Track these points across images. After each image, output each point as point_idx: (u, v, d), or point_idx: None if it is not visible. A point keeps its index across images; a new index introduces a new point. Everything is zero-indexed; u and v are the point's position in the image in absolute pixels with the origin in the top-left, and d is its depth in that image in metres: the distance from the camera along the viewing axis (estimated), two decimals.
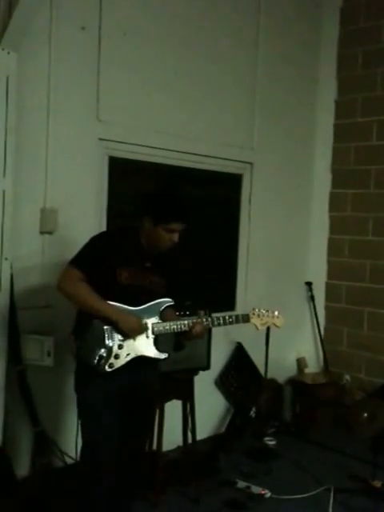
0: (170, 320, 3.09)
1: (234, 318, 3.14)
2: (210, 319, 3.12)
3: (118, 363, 2.94)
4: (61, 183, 3.86)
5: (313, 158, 5.83)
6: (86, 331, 2.94)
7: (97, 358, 2.90)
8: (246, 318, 3.17)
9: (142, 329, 2.99)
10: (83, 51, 3.94)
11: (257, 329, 3.20)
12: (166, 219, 3.01)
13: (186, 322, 3.07)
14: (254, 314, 3.18)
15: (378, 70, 5.48)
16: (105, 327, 2.93)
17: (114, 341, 2.94)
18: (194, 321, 3.08)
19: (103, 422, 2.99)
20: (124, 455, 3.09)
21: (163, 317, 3.08)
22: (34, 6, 3.51)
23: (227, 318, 3.12)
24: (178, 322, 3.06)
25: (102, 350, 2.91)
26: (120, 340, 2.96)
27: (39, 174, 3.78)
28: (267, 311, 3.21)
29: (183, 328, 3.07)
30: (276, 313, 3.22)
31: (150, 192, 3.21)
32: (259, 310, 3.20)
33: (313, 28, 5.73)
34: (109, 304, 2.93)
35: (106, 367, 2.91)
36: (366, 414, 5.10)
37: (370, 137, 5.53)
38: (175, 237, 3.05)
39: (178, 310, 3.35)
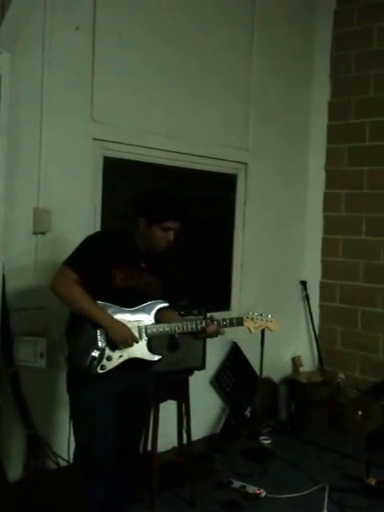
0: (164, 321, 3.07)
1: (228, 321, 3.12)
2: (215, 322, 3.10)
3: (111, 365, 2.92)
4: (55, 183, 3.85)
5: (307, 159, 5.85)
6: (79, 332, 2.92)
7: (89, 359, 2.88)
8: (240, 322, 3.16)
9: (133, 341, 2.95)
10: (77, 51, 3.92)
11: (250, 332, 3.19)
12: (161, 218, 3.00)
13: (180, 324, 3.05)
14: (248, 317, 3.17)
15: (371, 72, 5.51)
16: (97, 328, 2.92)
17: (106, 342, 2.92)
18: (209, 321, 3.07)
19: (97, 424, 2.97)
20: (118, 457, 3.08)
21: (158, 318, 3.06)
22: (27, 5, 3.49)
23: (221, 321, 3.10)
24: (172, 325, 3.05)
25: (95, 352, 2.89)
26: None
27: (33, 174, 3.76)
28: (261, 315, 3.20)
29: (177, 330, 3.06)
30: (270, 316, 3.21)
31: (142, 192, 3.20)
32: (253, 314, 3.18)
33: (306, 30, 5.74)
34: (101, 309, 2.92)
35: (98, 369, 2.90)
36: (360, 413, 5.10)
37: (363, 138, 5.55)
38: (170, 235, 3.03)
39: (174, 310, 3.34)
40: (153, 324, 3.03)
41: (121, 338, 2.91)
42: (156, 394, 3.49)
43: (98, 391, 2.94)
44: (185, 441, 4.07)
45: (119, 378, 2.95)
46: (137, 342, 2.97)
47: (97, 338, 2.91)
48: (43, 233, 3.80)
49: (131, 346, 2.95)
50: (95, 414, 2.96)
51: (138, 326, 2.99)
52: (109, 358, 2.92)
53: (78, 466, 3.10)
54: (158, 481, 3.78)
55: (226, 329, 3.14)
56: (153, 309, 3.06)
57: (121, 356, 2.95)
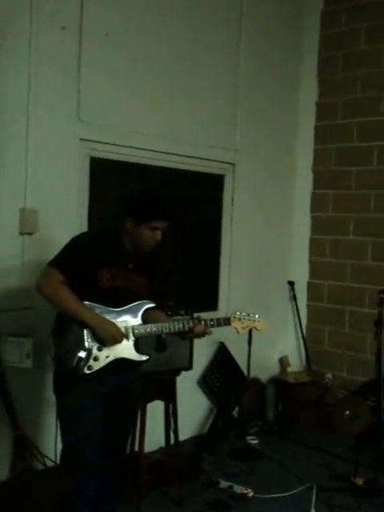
0: (151, 322, 3.06)
1: (215, 321, 3.13)
2: (203, 322, 3.10)
3: (97, 365, 2.91)
4: (41, 184, 3.83)
5: (294, 159, 5.86)
6: (65, 333, 2.91)
7: (76, 359, 2.87)
8: (227, 322, 3.16)
9: (121, 337, 2.95)
10: (64, 51, 3.90)
11: (237, 332, 3.20)
12: (148, 217, 2.99)
13: (167, 324, 3.05)
14: (235, 317, 3.17)
15: (359, 73, 5.53)
16: (84, 329, 2.91)
17: (93, 343, 2.91)
18: (196, 321, 3.07)
19: (84, 425, 2.96)
20: (106, 458, 3.07)
21: (145, 318, 3.06)
22: (13, 5, 3.48)
23: (208, 321, 3.11)
24: (160, 325, 3.04)
25: (81, 352, 2.88)
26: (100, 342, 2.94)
27: (19, 175, 3.74)
28: (249, 315, 3.20)
29: (165, 330, 3.06)
30: (257, 316, 3.22)
31: (130, 192, 3.19)
32: (240, 314, 3.19)
33: (294, 31, 5.74)
34: (88, 309, 2.91)
35: (85, 369, 2.89)
36: (347, 413, 5.11)
37: (350, 138, 5.57)
38: (158, 235, 3.03)
39: (161, 310, 3.33)
40: (140, 324, 3.03)
41: (109, 335, 2.91)
42: (143, 394, 3.49)
43: (85, 392, 2.93)
44: (172, 441, 4.07)
45: (106, 378, 2.95)
46: (126, 338, 2.97)
47: (83, 338, 2.90)
48: (30, 233, 3.78)
49: (120, 342, 2.95)
50: (82, 414, 2.95)
51: (125, 326, 2.98)
52: (96, 359, 2.91)
53: (65, 467, 3.09)
54: (145, 481, 3.78)
55: (213, 329, 3.14)
56: (140, 309, 3.05)
57: (108, 356, 2.94)
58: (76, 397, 2.94)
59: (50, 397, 3.17)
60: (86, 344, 2.90)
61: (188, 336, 3.14)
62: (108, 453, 3.09)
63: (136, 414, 3.50)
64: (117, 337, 2.93)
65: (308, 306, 5.89)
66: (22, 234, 3.77)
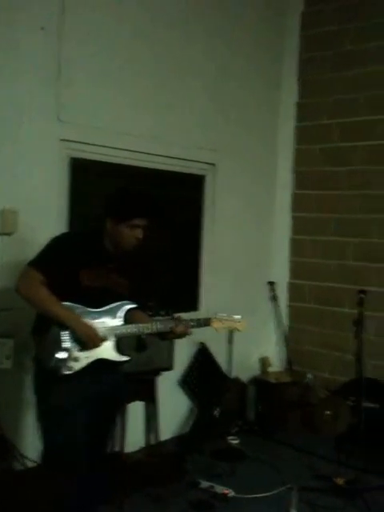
0: (132, 322, 3.06)
1: (196, 322, 3.14)
2: (188, 321, 3.10)
3: (77, 366, 2.90)
4: (21, 184, 3.81)
5: (276, 160, 5.88)
6: (45, 332, 2.89)
7: (54, 360, 2.86)
8: (207, 322, 3.17)
9: (100, 339, 2.93)
10: (44, 51, 3.88)
11: (217, 331, 3.20)
12: (127, 216, 2.98)
13: (147, 324, 3.05)
14: (215, 318, 3.18)
15: (341, 73, 5.56)
16: (64, 330, 2.89)
17: (73, 343, 2.90)
18: (177, 322, 3.07)
19: (68, 424, 2.94)
20: (90, 458, 3.04)
21: (127, 318, 3.05)
22: None
23: (189, 321, 3.11)
24: (140, 325, 3.04)
25: (61, 353, 2.87)
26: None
27: None
28: (229, 315, 3.21)
29: (146, 331, 3.05)
30: (238, 317, 3.22)
31: (109, 193, 3.18)
32: (221, 315, 3.19)
33: (276, 32, 5.76)
34: (68, 310, 2.89)
35: (65, 370, 2.87)
36: (329, 413, 5.13)
37: (332, 139, 5.59)
38: (138, 233, 3.01)
39: (142, 310, 3.33)
40: (120, 325, 3.02)
41: (86, 337, 2.89)
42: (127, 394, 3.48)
43: (68, 392, 2.91)
44: (153, 441, 4.06)
45: (88, 378, 2.93)
46: (106, 339, 2.95)
47: (63, 338, 2.88)
48: (9, 234, 3.76)
49: (99, 345, 2.93)
50: (66, 414, 2.93)
51: (105, 327, 2.97)
52: (76, 359, 2.90)
53: (50, 467, 3.06)
54: (128, 481, 3.76)
55: (193, 329, 3.14)
56: (121, 309, 3.05)
57: (88, 357, 2.93)
58: (58, 397, 2.92)
59: (31, 397, 3.14)
60: (66, 344, 2.88)
61: (168, 336, 3.14)
62: (91, 453, 3.06)
63: (117, 414, 3.48)
64: (96, 340, 2.92)
65: (289, 306, 5.91)
66: (0, 234, 3.74)
